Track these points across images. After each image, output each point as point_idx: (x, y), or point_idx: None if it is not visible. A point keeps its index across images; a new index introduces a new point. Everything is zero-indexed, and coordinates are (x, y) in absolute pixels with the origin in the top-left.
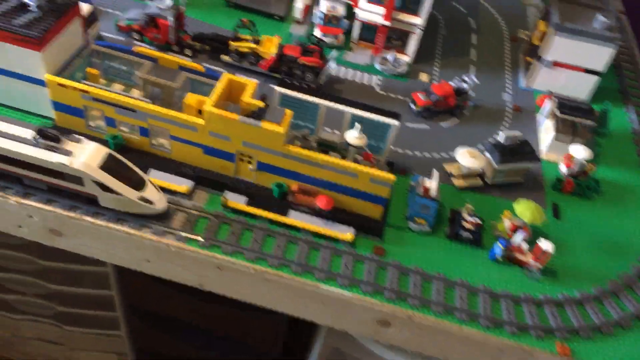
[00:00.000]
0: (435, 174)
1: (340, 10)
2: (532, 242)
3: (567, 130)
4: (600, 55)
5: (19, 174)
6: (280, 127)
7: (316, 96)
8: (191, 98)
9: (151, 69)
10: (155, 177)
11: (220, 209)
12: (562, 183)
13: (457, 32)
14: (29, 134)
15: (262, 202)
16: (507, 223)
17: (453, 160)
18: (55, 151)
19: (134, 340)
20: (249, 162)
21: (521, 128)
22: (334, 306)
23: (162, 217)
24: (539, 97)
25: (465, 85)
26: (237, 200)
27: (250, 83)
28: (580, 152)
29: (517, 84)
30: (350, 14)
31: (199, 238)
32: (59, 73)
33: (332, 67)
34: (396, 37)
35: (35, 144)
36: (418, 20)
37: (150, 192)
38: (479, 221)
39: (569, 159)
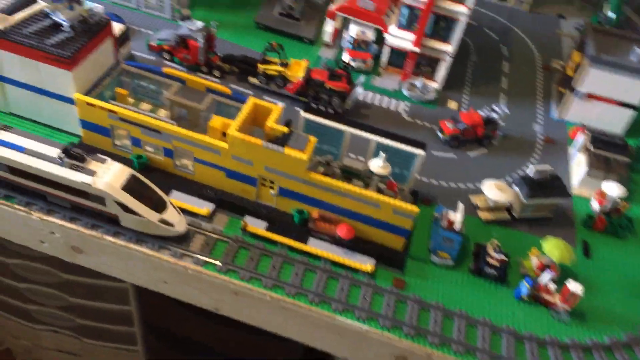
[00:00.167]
0: (460, 206)
1: (370, 35)
2: (560, 281)
3: (600, 166)
4: (636, 89)
5: (43, 190)
6: (303, 154)
7: (341, 122)
8: (216, 121)
9: (179, 90)
10: (177, 199)
11: (239, 233)
12: (593, 220)
13: (489, 59)
14: (54, 152)
15: (282, 227)
16: (534, 261)
17: (479, 191)
18: (79, 170)
19: (150, 357)
20: (271, 187)
21: (552, 161)
22: (351, 339)
23: (182, 239)
24: (571, 129)
25: (494, 115)
26: (256, 225)
27: (276, 108)
28: (613, 189)
29: (549, 115)
30: (380, 39)
31: (217, 262)
32: (88, 91)
33: (359, 92)
34: (425, 63)
35: (60, 163)
36: (448, 48)
37: (170, 214)
38: (504, 258)
39: (602, 195)
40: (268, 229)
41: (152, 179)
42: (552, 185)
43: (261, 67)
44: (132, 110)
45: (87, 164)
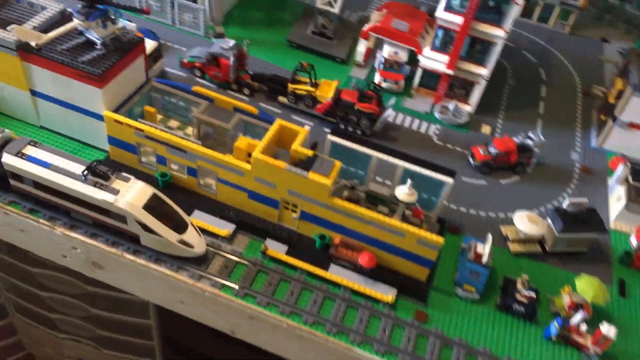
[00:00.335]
0: (489, 238)
1: (403, 56)
2: (592, 322)
3: None
4: None
5: (67, 206)
6: (327, 179)
7: (368, 147)
8: (242, 141)
9: (207, 109)
10: (199, 218)
11: (259, 256)
12: (631, 257)
13: (526, 83)
14: (79, 169)
15: (302, 252)
16: (566, 299)
17: (510, 221)
18: (102, 189)
19: None
20: (293, 211)
21: (589, 192)
22: None
23: (201, 261)
24: (611, 159)
25: (529, 142)
26: (277, 248)
27: (302, 131)
28: None
29: (587, 143)
30: (413, 60)
31: (234, 286)
32: (118, 108)
33: (389, 114)
34: (459, 86)
35: (84, 180)
36: (483, 71)
37: (190, 236)
38: (533, 295)
39: None
40: (288, 253)
41: (176, 197)
42: (587, 218)
43: (291, 86)
44: (158, 129)
45: (110, 182)
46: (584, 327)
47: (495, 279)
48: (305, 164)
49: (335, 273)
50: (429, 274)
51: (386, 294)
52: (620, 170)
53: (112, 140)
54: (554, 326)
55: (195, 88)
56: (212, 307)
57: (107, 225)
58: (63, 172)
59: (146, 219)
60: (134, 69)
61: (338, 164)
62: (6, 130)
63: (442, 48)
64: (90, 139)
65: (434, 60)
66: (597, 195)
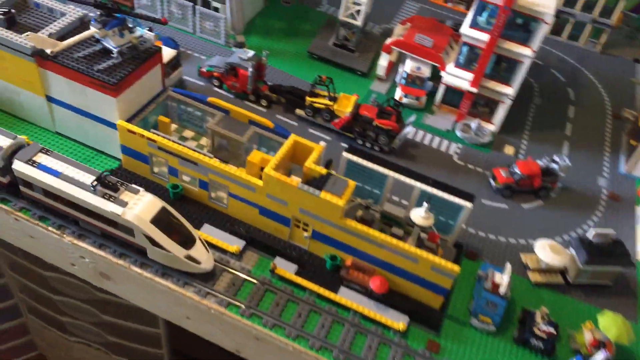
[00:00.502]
0: (508, 268)
1: (426, 72)
2: None
3: None
4: None
5: (75, 216)
6: (340, 200)
7: (384, 166)
8: (255, 155)
9: (221, 120)
10: (208, 233)
11: (267, 274)
12: None
13: (553, 102)
14: (89, 179)
15: (312, 272)
16: (587, 336)
17: (531, 249)
18: (111, 200)
19: None
20: (305, 230)
21: (616, 220)
22: None
23: (208, 277)
24: None
25: (555, 166)
26: (286, 267)
27: (317, 147)
28: None
29: (616, 169)
30: (436, 76)
31: (241, 305)
32: (132, 117)
33: (409, 131)
34: (483, 103)
35: (93, 191)
36: (509, 90)
37: (198, 251)
38: (552, 331)
39: None
40: (298, 273)
41: (186, 209)
42: (613, 251)
43: (309, 99)
44: (171, 140)
45: (119, 194)
46: None
47: (513, 309)
48: (318, 182)
49: (345, 296)
50: (443, 302)
51: (397, 320)
52: None
53: (125, 150)
54: None
55: (211, 99)
56: (218, 325)
57: (115, 237)
58: (72, 181)
59: (153, 232)
60: (150, 78)
61: (352, 183)
62: (19, 137)
63: (466, 65)
64: (105, 147)
65: (457, 77)
66: (623, 224)
